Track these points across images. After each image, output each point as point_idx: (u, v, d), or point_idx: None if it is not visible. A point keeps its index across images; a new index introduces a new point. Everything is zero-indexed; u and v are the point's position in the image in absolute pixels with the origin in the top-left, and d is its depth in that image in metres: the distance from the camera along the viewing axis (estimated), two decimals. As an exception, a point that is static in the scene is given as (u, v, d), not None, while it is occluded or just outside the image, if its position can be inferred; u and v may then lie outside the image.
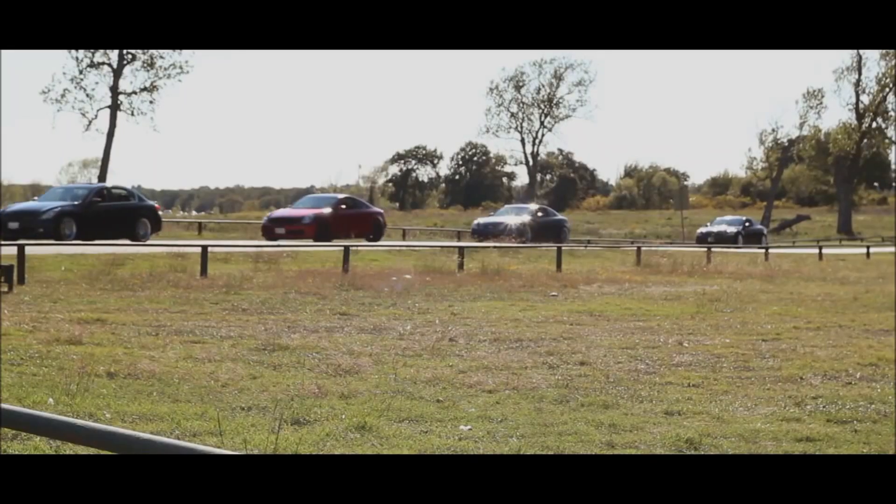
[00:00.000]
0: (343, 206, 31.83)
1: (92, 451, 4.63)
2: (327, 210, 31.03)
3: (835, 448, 6.13)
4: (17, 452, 5.42)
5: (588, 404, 7.28)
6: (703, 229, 49.71)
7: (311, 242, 28.14)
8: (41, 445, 5.52)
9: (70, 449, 5.19)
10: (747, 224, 49.93)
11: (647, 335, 11.41)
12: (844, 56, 76.48)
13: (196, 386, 7.63)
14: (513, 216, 37.95)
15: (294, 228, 30.18)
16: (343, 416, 6.62)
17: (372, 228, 32.39)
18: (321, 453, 5.68)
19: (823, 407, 7.38)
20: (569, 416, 6.88)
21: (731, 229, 48.01)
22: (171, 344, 9.77)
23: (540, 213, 38.90)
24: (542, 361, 9.31)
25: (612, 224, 77.70)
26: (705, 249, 32.60)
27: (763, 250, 34.72)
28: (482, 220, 39.96)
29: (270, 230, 30.73)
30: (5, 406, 3.40)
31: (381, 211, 35.35)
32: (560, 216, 41.31)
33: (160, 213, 30.17)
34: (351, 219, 31.60)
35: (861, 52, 72.64)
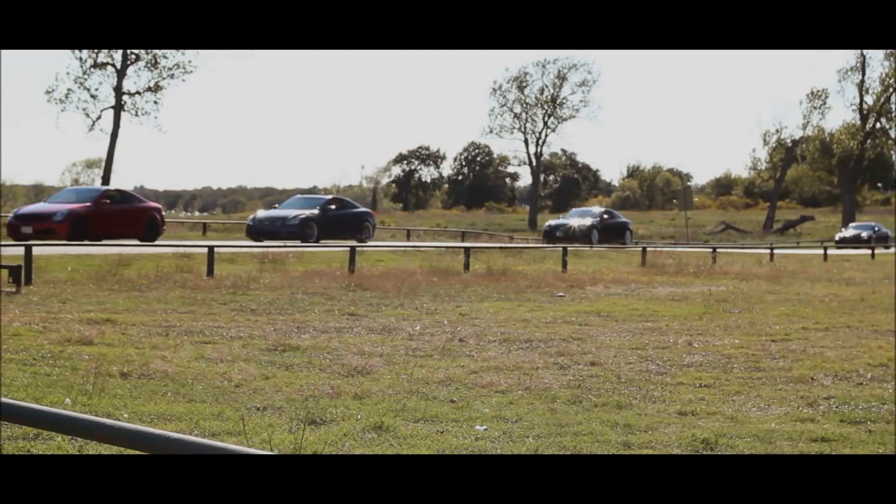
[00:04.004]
0: (107, 201, 27.33)
1: (115, 450, 4.65)
2: (86, 205, 26.62)
3: (850, 448, 6.14)
4: (40, 452, 5.44)
5: (601, 405, 7.30)
6: (552, 222, 42.75)
7: (64, 243, 23.58)
8: (64, 445, 5.54)
9: (93, 449, 5.21)
10: (606, 217, 41.68)
11: (657, 336, 11.42)
12: (848, 56, 76.50)
13: (210, 386, 7.65)
14: (297, 209, 31.14)
15: (43, 227, 25.63)
16: (359, 417, 6.64)
17: (144, 227, 27.79)
18: (344, 453, 5.70)
19: (836, 407, 7.39)
20: (583, 416, 6.90)
21: (585, 222, 40.22)
22: (182, 344, 9.79)
23: (333, 206, 31.68)
24: (553, 362, 9.32)
25: (615, 224, 77.61)
26: (710, 250, 32.56)
27: (769, 251, 34.64)
28: (262, 213, 33.23)
29: (16, 229, 26.02)
30: (28, 405, 3.41)
31: (159, 207, 29.91)
32: (363, 209, 34.06)
33: None
34: (117, 216, 27.24)
35: (865, 52, 72.65)
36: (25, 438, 5.69)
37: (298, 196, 34.50)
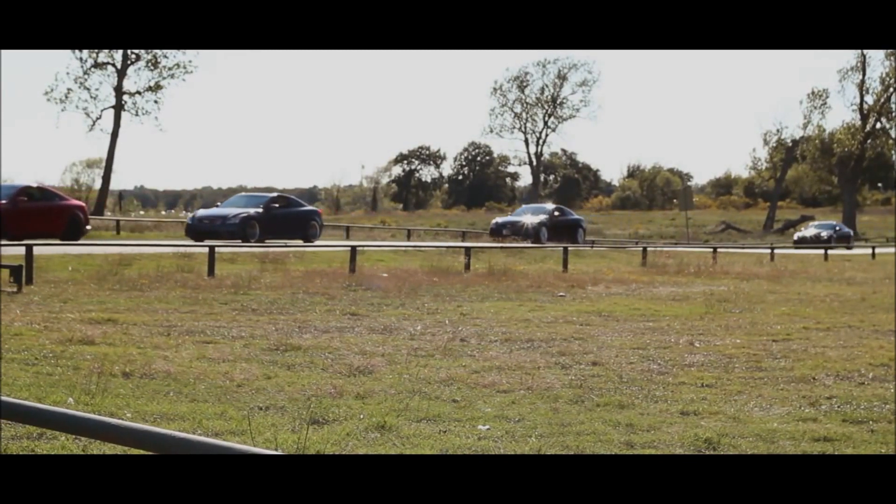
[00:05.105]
0: (24, 199, 25.76)
1: (119, 450, 4.66)
2: (1, 203, 24.89)
3: (853, 448, 6.15)
4: (44, 452, 5.45)
5: (603, 404, 7.31)
6: (499, 219, 40.14)
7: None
8: (68, 445, 5.54)
9: (97, 449, 5.22)
10: (556, 214, 39.01)
11: (658, 335, 11.42)
12: (849, 56, 76.52)
13: (212, 386, 7.66)
14: (238, 208, 29.46)
15: None
16: (361, 416, 6.66)
17: (66, 226, 26.14)
18: (347, 453, 5.71)
19: (838, 407, 7.40)
20: (585, 415, 6.91)
21: (534, 219, 37.51)
22: (183, 344, 9.80)
23: (277, 204, 30.12)
24: (555, 362, 9.33)
25: (616, 224, 77.77)
26: (711, 250, 32.56)
27: (769, 251, 34.63)
28: (201, 211, 31.88)
29: None
30: (34, 405, 3.42)
31: (83, 205, 28.22)
32: (309, 207, 32.26)
33: None
34: (36, 214, 25.65)
35: (865, 52, 72.65)
36: (29, 438, 5.70)
37: (241, 194, 32.78)
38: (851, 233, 56.42)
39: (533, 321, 12.65)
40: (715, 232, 72.56)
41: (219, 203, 33.28)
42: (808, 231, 54.51)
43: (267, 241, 28.21)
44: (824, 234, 52.40)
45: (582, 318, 13.09)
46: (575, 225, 39.07)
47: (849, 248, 40.62)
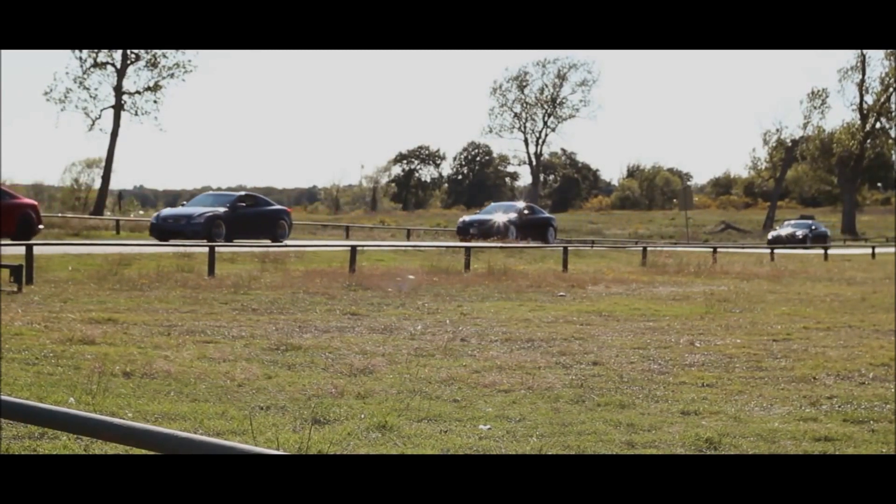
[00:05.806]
0: None
1: (121, 449, 4.66)
2: None
3: (853, 448, 6.15)
4: (46, 452, 5.45)
5: (604, 404, 7.31)
6: (466, 218, 38.50)
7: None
8: (70, 444, 5.55)
9: (98, 448, 5.23)
10: (526, 212, 37.62)
11: (658, 335, 11.42)
12: (849, 56, 76.52)
13: (213, 385, 7.66)
14: (204, 207, 28.85)
15: None
16: (362, 416, 6.66)
17: (17, 225, 24.82)
18: (348, 453, 5.71)
19: (839, 407, 7.40)
20: (586, 415, 6.91)
21: (503, 218, 36.19)
22: (184, 344, 9.80)
23: (244, 203, 29.36)
24: (556, 361, 9.33)
25: (615, 224, 77.79)
26: (711, 250, 32.58)
27: (769, 250, 34.60)
28: (166, 210, 31.16)
29: None
30: (36, 404, 3.42)
31: (35, 204, 26.69)
32: (278, 206, 31.25)
33: None
34: None
35: (865, 52, 72.64)
36: (31, 438, 5.70)
37: (208, 193, 31.86)
38: (828, 232, 54.51)
39: (533, 321, 12.66)
40: (715, 232, 72.57)
41: (184, 202, 32.36)
42: (784, 230, 52.61)
43: (235, 240, 27.65)
44: (799, 233, 50.80)
45: (582, 318, 13.09)
46: (545, 224, 37.85)
47: (825, 248, 39.21)
